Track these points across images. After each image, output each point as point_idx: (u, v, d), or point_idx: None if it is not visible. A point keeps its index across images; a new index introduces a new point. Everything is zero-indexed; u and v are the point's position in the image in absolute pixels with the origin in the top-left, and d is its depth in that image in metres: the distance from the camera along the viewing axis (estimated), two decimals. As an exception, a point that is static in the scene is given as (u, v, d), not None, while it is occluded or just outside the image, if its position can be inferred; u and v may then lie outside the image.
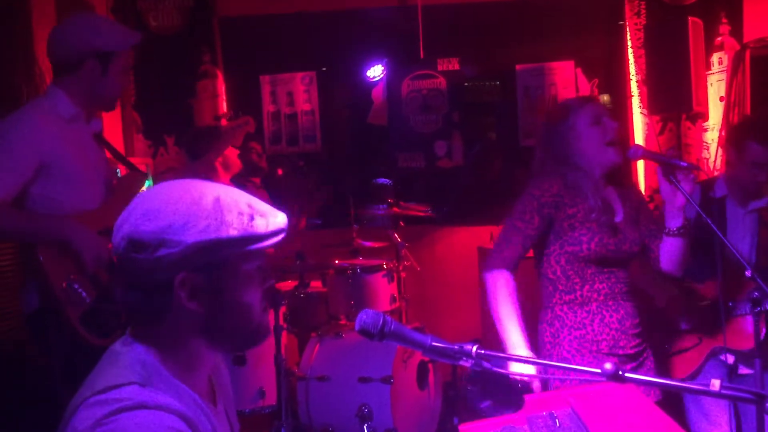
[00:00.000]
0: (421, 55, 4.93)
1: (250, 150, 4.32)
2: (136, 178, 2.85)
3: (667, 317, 2.91)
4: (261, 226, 1.24)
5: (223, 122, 3.64)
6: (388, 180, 4.50)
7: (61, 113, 2.51)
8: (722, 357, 2.85)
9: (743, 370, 2.86)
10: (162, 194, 1.22)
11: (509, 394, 1.48)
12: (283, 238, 1.28)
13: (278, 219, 1.28)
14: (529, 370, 2.28)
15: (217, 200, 1.21)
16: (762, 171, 2.81)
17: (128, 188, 2.73)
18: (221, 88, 4.76)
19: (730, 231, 2.91)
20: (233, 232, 1.20)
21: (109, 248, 2.48)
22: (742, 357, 2.83)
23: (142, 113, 4.69)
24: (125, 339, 1.27)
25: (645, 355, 2.49)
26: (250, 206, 1.25)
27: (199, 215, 1.19)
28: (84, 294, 2.43)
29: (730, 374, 2.82)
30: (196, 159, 3.67)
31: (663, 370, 2.82)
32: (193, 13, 4.70)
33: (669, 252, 2.43)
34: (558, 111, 2.49)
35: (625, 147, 2.44)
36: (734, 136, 2.96)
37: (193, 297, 1.21)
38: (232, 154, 3.91)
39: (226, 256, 1.22)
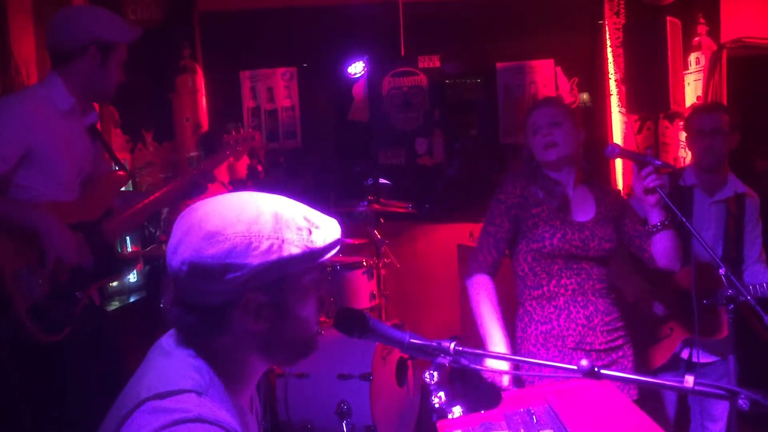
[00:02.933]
0: (402, 53, 4.93)
1: (255, 156, 4.31)
2: (118, 178, 2.82)
3: (639, 309, 2.95)
4: (319, 240, 1.22)
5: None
6: (371, 180, 4.51)
7: (57, 104, 2.49)
8: (683, 354, 2.92)
9: (704, 359, 2.94)
10: (219, 213, 1.19)
11: (487, 391, 1.49)
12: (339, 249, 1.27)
13: (334, 230, 1.27)
14: (504, 366, 2.33)
15: (276, 217, 1.19)
16: (713, 138, 2.97)
17: (108, 187, 2.70)
18: (201, 83, 4.72)
19: (696, 220, 2.98)
20: (295, 251, 1.18)
21: (76, 243, 2.46)
22: (704, 346, 2.91)
23: (119, 108, 4.64)
24: (175, 335, 1.24)
25: (620, 352, 2.51)
26: (307, 219, 1.23)
27: (261, 235, 1.16)
28: (37, 287, 2.37)
29: (688, 367, 2.89)
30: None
31: (641, 362, 2.86)
32: (172, 6, 4.65)
33: (661, 248, 2.48)
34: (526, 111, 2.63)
35: (603, 145, 2.50)
36: (686, 118, 3.19)
37: (258, 317, 1.20)
38: (242, 162, 3.93)
39: (289, 273, 1.20)
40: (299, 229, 1.20)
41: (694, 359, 2.93)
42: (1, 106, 2.43)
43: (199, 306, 1.19)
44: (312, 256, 1.21)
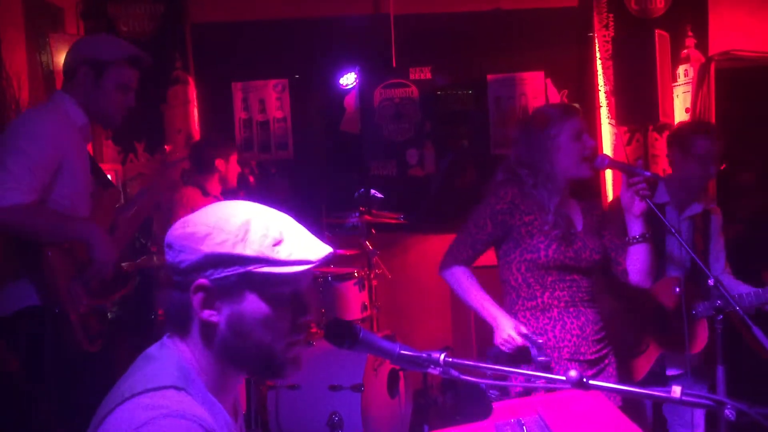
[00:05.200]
0: (394, 64, 4.95)
1: (246, 164, 4.32)
2: (115, 193, 2.88)
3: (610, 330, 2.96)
4: (282, 252, 1.24)
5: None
6: (362, 190, 4.53)
7: (74, 120, 2.56)
8: (655, 369, 2.94)
9: (671, 372, 2.96)
10: (207, 210, 1.30)
11: (477, 402, 1.49)
12: (310, 271, 1.27)
13: (309, 251, 1.26)
14: (509, 329, 2.38)
15: (247, 221, 1.25)
16: (710, 164, 2.96)
17: (108, 204, 2.75)
18: (193, 94, 4.72)
19: (668, 236, 3.00)
20: (247, 252, 1.22)
21: (117, 257, 2.55)
22: (673, 360, 2.93)
23: (111, 119, 4.64)
24: (162, 342, 1.30)
25: (607, 361, 2.53)
26: (281, 233, 1.26)
27: (221, 230, 1.24)
28: (83, 297, 2.45)
29: (661, 380, 2.91)
30: (203, 171, 3.81)
31: (625, 372, 2.87)
32: (164, 19, 4.66)
33: (635, 261, 2.48)
34: (540, 118, 2.51)
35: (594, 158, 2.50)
36: (680, 137, 3.10)
37: (206, 305, 1.24)
38: (233, 172, 3.95)
39: (243, 275, 1.23)
40: (265, 236, 1.24)
41: (670, 373, 2.96)
42: (36, 120, 2.47)
43: (170, 283, 1.28)
44: (264, 262, 1.22)
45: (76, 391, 2.46)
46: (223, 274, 1.23)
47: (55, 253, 2.39)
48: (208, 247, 1.23)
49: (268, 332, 1.27)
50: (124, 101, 2.65)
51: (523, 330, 2.38)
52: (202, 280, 1.24)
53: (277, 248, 1.24)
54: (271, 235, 1.25)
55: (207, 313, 1.25)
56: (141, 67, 2.68)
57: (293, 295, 1.29)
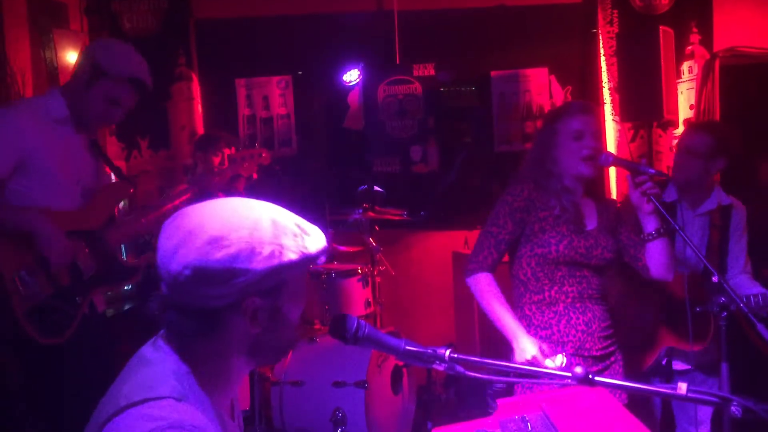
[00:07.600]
0: (397, 61, 4.95)
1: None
2: (121, 186, 2.84)
3: (618, 314, 2.96)
4: (311, 245, 1.26)
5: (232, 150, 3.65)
6: (365, 186, 4.52)
7: (50, 112, 2.54)
8: (662, 361, 2.93)
9: (678, 366, 2.94)
10: (219, 218, 1.21)
11: (481, 398, 1.49)
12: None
13: (321, 236, 1.31)
14: (531, 349, 2.32)
15: (274, 223, 1.23)
16: (680, 155, 3.00)
17: (110, 196, 2.73)
18: (196, 91, 4.73)
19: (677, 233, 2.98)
20: (293, 256, 1.22)
21: (72, 249, 2.47)
22: (683, 355, 2.93)
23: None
24: (156, 343, 1.26)
25: (613, 358, 2.53)
26: (298, 227, 1.27)
27: (262, 241, 1.20)
28: (38, 289, 2.40)
29: (668, 375, 2.90)
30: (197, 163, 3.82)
31: (629, 365, 2.88)
32: (168, 15, 4.67)
33: (654, 257, 2.49)
34: (548, 115, 2.57)
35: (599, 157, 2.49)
36: (680, 138, 3.14)
37: (254, 320, 1.23)
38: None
39: (285, 278, 1.23)
40: (294, 235, 1.24)
41: (677, 367, 2.96)
42: None
43: (197, 309, 1.21)
44: (306, 261, 1.25)
45: (43, 385, 2.45)
46: (269, 285, 1.22)
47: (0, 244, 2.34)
48: (260, 264, 1.19)
49: (296, 320, 1.31)
50: (107, 114, 2.62)
51: (546, 348, 2.36)
52: (253, 299, 1.21)
53: (305, 244, 1.25)
54: (297, 232, 1.25)
55: (253, 328, 1.23)
56: (142, 91, 2.67)
57: (305, 279, 1.33)
